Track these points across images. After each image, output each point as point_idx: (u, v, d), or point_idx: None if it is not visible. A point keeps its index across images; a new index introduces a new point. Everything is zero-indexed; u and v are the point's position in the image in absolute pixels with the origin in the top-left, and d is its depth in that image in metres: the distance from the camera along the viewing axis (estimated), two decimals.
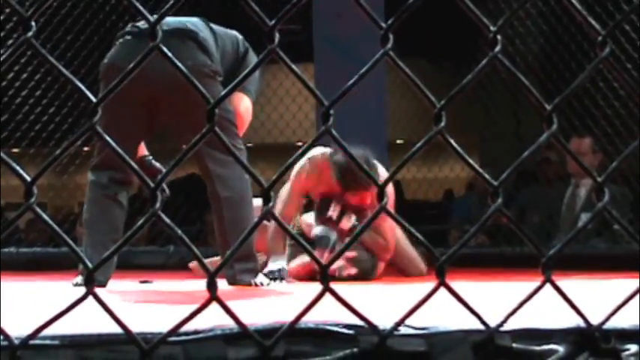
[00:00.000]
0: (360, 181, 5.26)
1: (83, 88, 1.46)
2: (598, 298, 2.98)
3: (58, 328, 1.48)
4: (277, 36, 1.49)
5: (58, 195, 9.98)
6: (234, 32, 4.94)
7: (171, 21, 4.57)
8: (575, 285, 3.01)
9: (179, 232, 1.49)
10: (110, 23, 8.43)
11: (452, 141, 1.55)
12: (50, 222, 1.45)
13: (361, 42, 5.35)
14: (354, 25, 5.56)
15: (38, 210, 1.43)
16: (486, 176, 1.53)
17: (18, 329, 1.48)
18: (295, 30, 9.40)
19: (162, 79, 3.82)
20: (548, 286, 1.55)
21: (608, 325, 1.64)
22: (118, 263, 4.32)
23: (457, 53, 8.38)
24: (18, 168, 1.43)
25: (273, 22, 1.50)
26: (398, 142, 11.73)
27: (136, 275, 5.39)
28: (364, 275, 5.36)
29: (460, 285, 1.58)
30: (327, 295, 1.48)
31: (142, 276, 5.32)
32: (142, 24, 4.61)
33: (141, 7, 1.50)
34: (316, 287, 1.49)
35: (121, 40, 4.67)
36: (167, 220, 1.46)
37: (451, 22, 5.68)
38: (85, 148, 9.14)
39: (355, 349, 1.53)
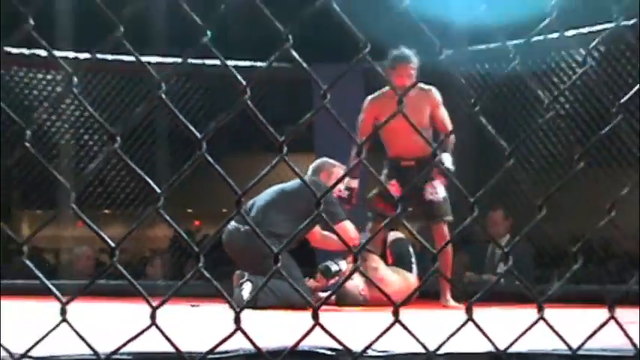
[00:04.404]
0: (403, 57, 5.21)
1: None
2: (510, 326, 2.96)
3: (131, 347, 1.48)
4: (291, 38, 1.47)
5: (135, 243, 9.84)
6: None
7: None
8: (494, 315, 2.96)
9: (183, 234, 1.48)
10: None
11: None
12: (126, 275, 1.45)
13: None
14: None
15: (120, 267, 1.43)
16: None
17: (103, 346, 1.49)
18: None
19: None
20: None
21: (513, 349, 1.63)
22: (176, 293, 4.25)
23: None
24: (103, 235, 1.43)
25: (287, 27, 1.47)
26: None
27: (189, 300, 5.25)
28: None
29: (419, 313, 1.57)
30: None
31: (192, 301, 5.20)
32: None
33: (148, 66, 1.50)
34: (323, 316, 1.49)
35: None
36: (168, 218, 1.41)
37: None
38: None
39: None
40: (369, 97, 5.43)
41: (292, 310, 4.42)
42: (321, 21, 1.50)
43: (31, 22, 1.33)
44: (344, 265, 5.25)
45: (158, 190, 1.41)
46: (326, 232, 5.39)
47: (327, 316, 1.44)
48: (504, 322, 1.70)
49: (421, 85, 5.26)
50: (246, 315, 1.42)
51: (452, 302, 5.28)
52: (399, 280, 5.29)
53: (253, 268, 4.89)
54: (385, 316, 1.49)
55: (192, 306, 5.02)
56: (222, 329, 1.45)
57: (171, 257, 9.03)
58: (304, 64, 1.44)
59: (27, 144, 1.39)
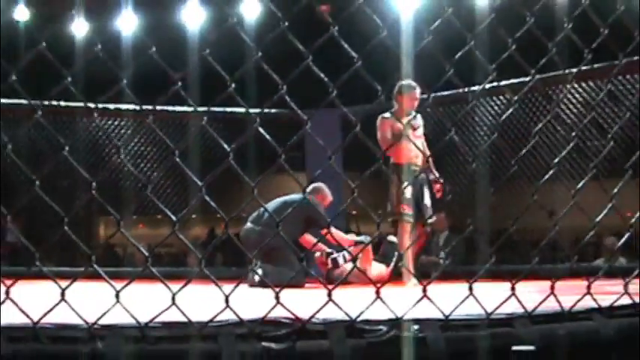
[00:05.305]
0: (412, 86, 5.12)
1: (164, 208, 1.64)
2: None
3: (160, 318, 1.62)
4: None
5: (178, 239, 9.89)
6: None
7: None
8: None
9: (191, 246, 1.67)
10: None
11: None
12: (157, 273, 1.65)
13: None
14: None
15: (152, 269, 1.61)
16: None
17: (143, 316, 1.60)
18: None
19: None
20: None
21: (412, 316, 1.71)
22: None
23: None
24: (139, 246, 1.61)
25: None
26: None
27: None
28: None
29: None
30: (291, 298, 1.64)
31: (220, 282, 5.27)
32: None
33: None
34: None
35: None
36: (185, 240, 1.60)
37: None
38: (194, 216, 9.22)
39: (290, 329, 1.62)
40: (382, 116, 5.20)
41: (291, 288, 4.58)
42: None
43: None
44: (346, 256, 5.45)
45: (174, 218, 1.63)
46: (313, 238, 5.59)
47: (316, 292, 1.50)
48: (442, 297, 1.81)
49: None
50: (258, 291, 1.49)
51: (411, 283, 5.06)
52: (374, 270, 5.49)
53: (263, 258, 5.15)
54: (354, 292, 1.61)
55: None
56: (233, 304, 1.60)
57: (206, 249, 9.14)
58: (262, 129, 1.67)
59: (93, 192, 1.58)
